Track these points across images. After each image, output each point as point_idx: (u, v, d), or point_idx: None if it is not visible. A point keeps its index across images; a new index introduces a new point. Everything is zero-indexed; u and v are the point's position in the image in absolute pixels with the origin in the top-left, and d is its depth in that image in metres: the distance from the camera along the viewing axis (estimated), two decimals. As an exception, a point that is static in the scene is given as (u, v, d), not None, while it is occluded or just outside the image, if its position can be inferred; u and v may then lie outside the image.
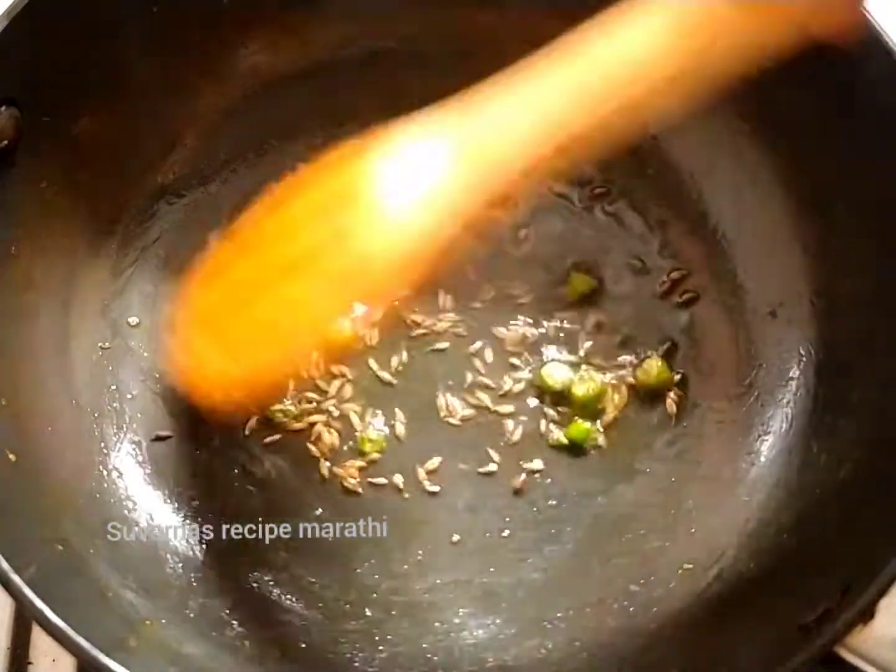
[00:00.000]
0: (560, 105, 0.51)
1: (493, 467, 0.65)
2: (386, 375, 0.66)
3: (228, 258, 0.57)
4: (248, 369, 0.55)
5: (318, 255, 0.54)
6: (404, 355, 0.67)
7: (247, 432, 0.65)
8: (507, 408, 0.66)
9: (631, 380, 0.66)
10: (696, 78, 0.50)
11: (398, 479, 0.64)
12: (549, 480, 0.65)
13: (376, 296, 0.54)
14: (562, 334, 0.68)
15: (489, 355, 0.67)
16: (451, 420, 0.66)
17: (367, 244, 0.53)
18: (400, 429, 0.65)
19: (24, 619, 0.61)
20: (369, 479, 0.64)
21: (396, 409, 0.66)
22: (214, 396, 0.57)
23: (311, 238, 0.54)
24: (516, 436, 0.65)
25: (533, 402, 0.66)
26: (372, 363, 0.67)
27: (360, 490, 0.64)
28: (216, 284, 0.57)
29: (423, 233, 0.53)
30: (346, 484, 0.64)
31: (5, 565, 0.48)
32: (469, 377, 0.66)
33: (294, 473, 0.65)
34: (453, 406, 0.66)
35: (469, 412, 0.66)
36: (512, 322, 0.68)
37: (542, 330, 0.67)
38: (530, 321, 0.68)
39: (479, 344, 0.67)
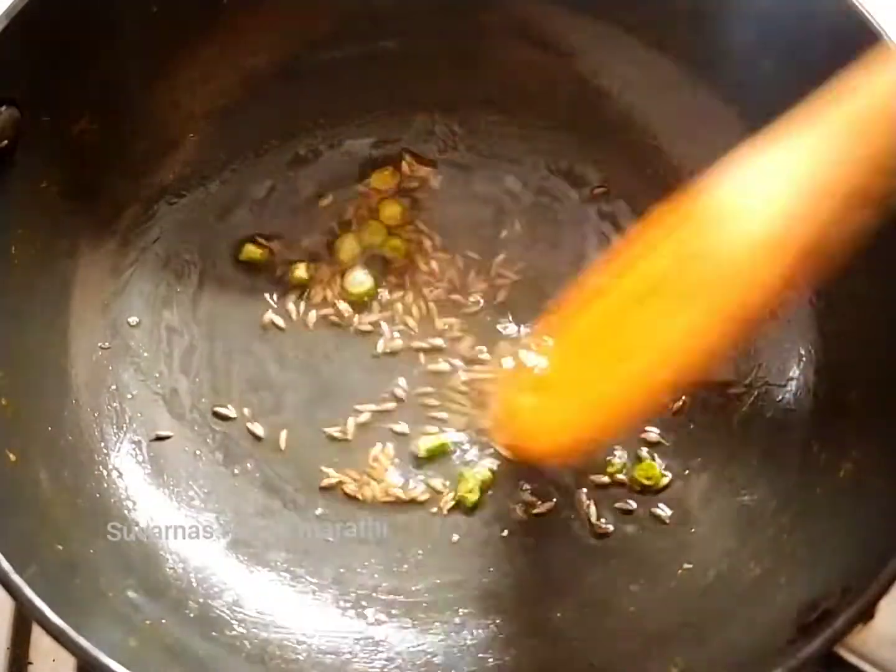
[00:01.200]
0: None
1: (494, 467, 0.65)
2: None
3: (578, 303, 0.54)
4: (589, 408, 0.53)
5: (666, 280, 0.50)
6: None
7: (281, 446, 0.65)
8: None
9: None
10: None
11: (400, 481, 0.65)
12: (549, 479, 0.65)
13: (740, 309, 0.49)
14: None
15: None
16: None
17: (718, 257, 0.48)
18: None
19: (24, 619, 0.61)
20: (371, 491, 0.64)
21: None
22: (544, 439, 0.55)
23: (657, 265, 0.50)
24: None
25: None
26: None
27: (359, 497, 0.64)
28: (567, 330, 0.55)
29: (788, 223, 0.47)
30: (346, 489, 0.64)
31: (5, 565, 0.48)
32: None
33: (295, 475, 0.65)
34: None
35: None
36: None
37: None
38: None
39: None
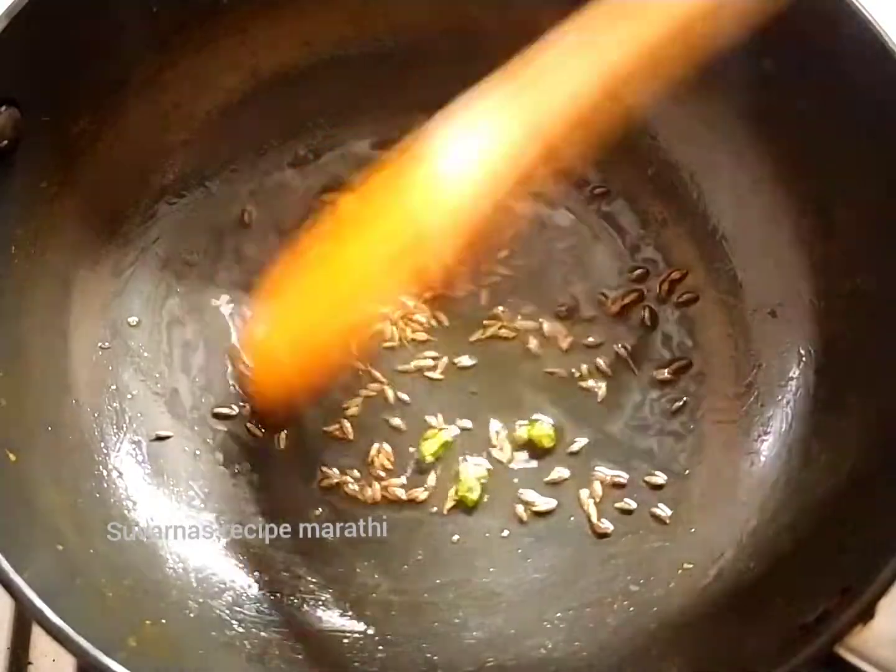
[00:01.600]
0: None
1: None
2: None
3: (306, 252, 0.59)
4: (307, 350, 0.58)
5: (384, 235, 0.56)
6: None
7: (281, 446, 0.65)
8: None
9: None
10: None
11: (400, 481, 0.65)
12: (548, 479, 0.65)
13: (425, 271, 0.57)
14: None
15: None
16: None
17: (420, 217, 0.55)
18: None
19: (24, 619, 0.61)
20: (371, 491, 0.64)
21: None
22: (275, 381, 0.61)
23: (381, 219, 0.56)
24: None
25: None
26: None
27: (359, 497, 0.64)
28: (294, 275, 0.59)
29: (475, 201, 0.55)
30: (346, 489, 0.64)
31: (5, 565, 0.48)
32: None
33: (294, 475, 0.65)
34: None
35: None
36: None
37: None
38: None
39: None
